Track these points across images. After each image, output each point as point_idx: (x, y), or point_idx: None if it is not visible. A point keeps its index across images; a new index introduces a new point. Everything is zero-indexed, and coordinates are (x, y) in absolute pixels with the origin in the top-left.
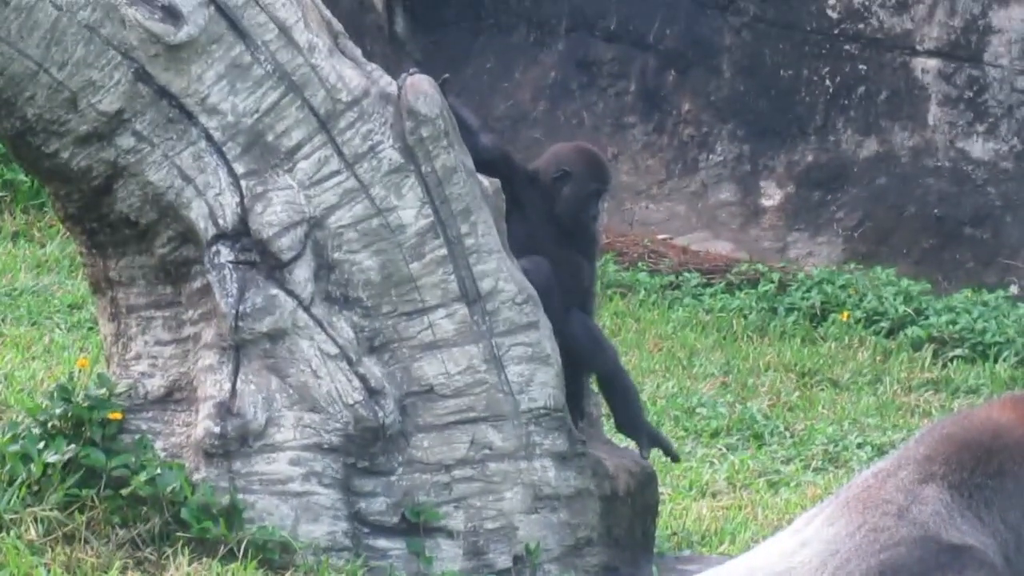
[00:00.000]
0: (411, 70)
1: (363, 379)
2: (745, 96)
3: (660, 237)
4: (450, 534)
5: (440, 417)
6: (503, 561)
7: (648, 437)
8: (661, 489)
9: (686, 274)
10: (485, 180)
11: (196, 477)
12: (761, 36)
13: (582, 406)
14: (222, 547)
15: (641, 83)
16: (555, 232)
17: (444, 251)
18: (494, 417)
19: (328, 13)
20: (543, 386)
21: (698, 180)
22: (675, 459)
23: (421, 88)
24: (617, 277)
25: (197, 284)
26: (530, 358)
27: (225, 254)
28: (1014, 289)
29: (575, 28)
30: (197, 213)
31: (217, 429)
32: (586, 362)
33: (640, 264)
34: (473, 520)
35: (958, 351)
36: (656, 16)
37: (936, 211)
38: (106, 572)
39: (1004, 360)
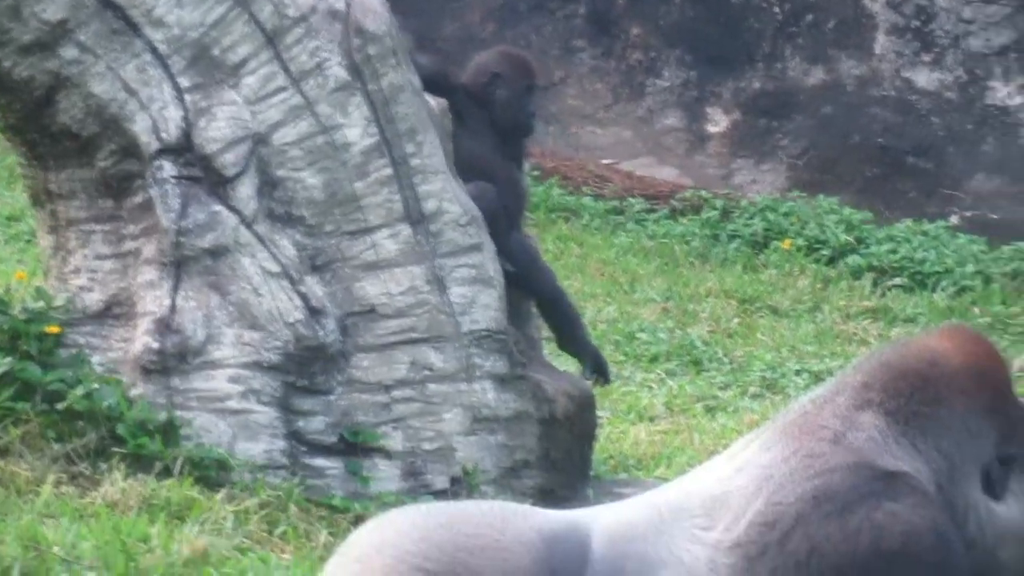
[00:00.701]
0: None
1: (304, 298)
2: (694, 22)
3: (605, 162)
4: (388, 454)
5: (381, 337)
6: (440, 482)
7: (591, 357)
8: (600, 413)
9: (630, 199)
10: (432, 100)
11: (133, 393)
12: None
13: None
14: (158, 464)
15: (590, 7)
16: (496, 146)
17: (389, 171)
18: (435, 338)
19: None
20: (485, 308)
21: (644, 106)
22: (607, 381)
23: (369, 5)
24: (561, 201)
25: (139, 199)
26: (473, 280)
27: (168, 169)
28: (955, 219)
29: None
30: (140, 127)
31: (156, 345)
32: (526, 285)
33: (584, 189)
34: (411, 441)
35: (897, 280)
36: None
37: (880, 141)
38: (40, 486)
39: (942, 290)
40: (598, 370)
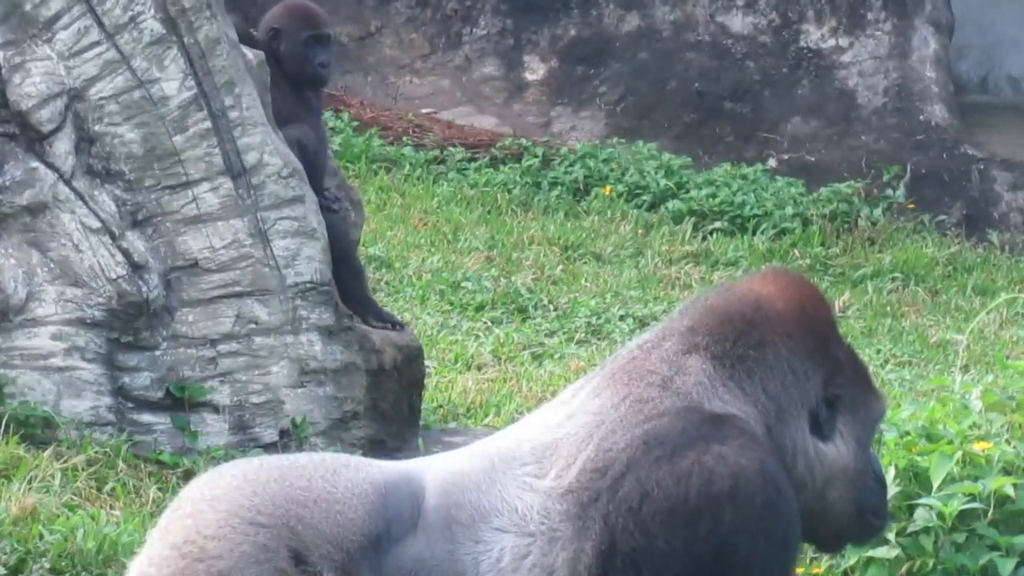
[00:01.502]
0: None
1: (126, 253)
2: None
3: (424, 111)
4: (216, 409)
5: (205, 292)
6: (269, 435)
7: (374, 313)
8: (427, 363)
9: (451, 149)
10: (249, 52)
11: None
12: None
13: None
14: None
15: None
16: (294, 98)
17: (208, 124)
18: (260, 291)
19: None
20: (309, 260)
21: (462, 54)
22: (401, 328)
23: None
24: (382, 152)
25: None
26: (296, 232)
27: None
28: (772, 163)
29: None
30: None
31: None
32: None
33: (405, 139)
34: (239, 395)
35: (717, 224)
36: None
37: (697, 86)
38: None
39: (762, 233)
40: (384, 320)
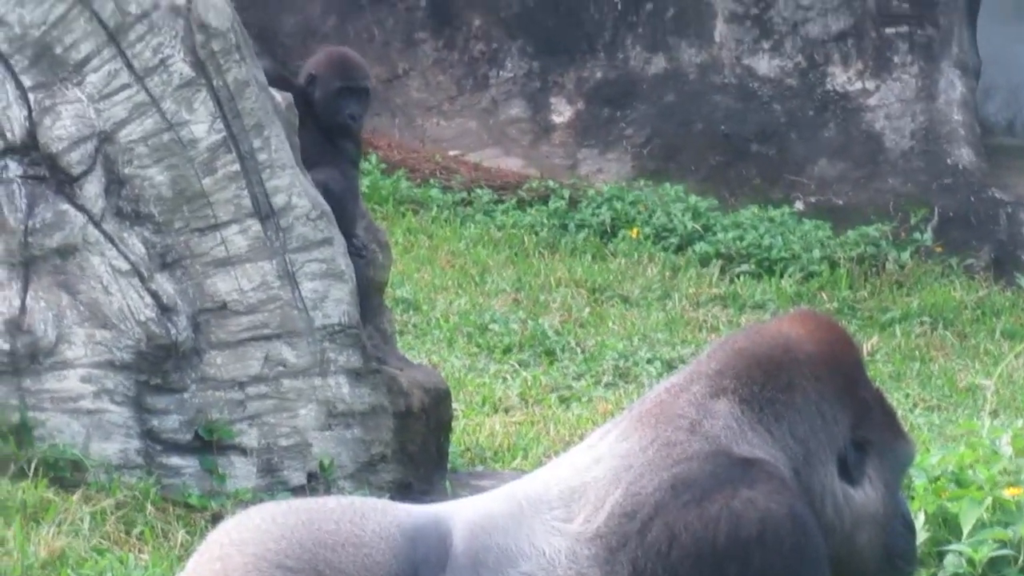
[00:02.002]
0: None
1: (155, 295)
2: (535, 12)
3: (452, 153)
4: (244, 451)
5: (234, 334)
6: (297, 478)
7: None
8: (455, 405)
9: (478, 191)
10: (278, 95)
11: None
12: None
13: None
14: (12, 465)
15: None
16: (324, 144)
17: (237, 166)
18: (288, 334)
19: None
20: (338, 302)
21: (489, 96)
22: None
23: (211, 1)
24: (409, 193)
25: None
26: (324, 274)
27: (13, 168)
28: (799, 205)
29: None
30: None
31: (7, 346)
32: None
33: (432, 180)
34: (267, 437)
35: (745, 267)
36: None
37: (723, 128)
38: None
39: (789, 275)
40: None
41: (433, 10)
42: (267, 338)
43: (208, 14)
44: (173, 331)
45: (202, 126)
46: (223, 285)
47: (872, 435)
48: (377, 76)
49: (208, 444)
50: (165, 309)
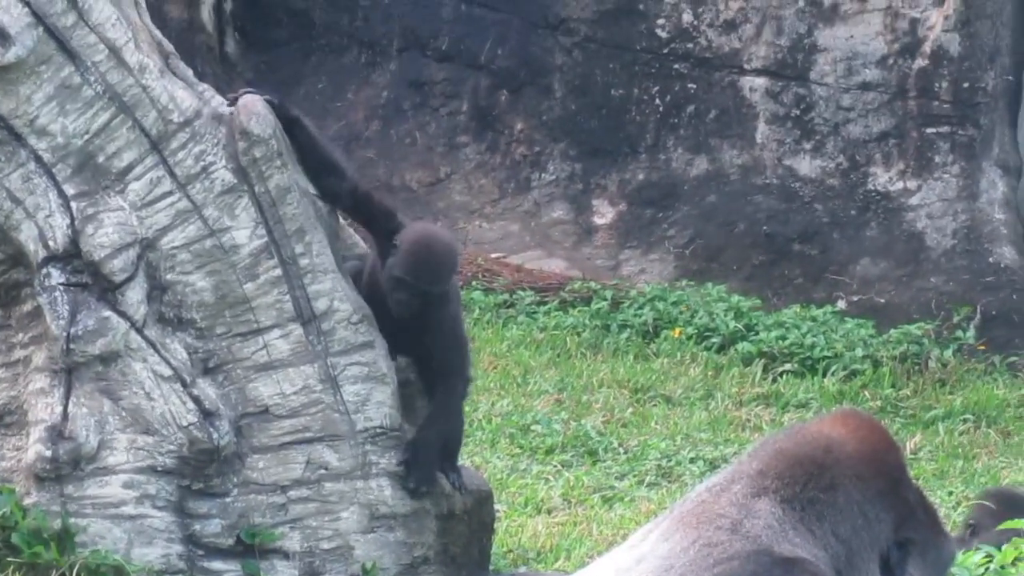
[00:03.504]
0: (243, 90)
1: (197, 401)
2: (576, 115)
3: (494, 256)
4: (286, 555)
5: (276, 438)
6: None
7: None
8: (497, 506)
9: (520, 292)
10: (319, 200)
11: (27, 501)
12: (592, 56)
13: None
14: (54, 572)
15: (473, 103)
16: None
17: (278, 271)
18: (330, 437)
19: (159, 34)
20: (379, 405)
21: (531, 199)
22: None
23: (254, 108)
24: None
25: (27, 307)
26: (366, 377)
27: (56, 276)
28: (841, 304)
29: (407, 48)
30: (27, 235)
31: (48, 453)
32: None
33: (474, 283)
34: (309, 541)
35: (788, 366)
36: (487, 36)
37: (765, 228)
38: None
39: (832, 374)
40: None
41: (475, 114)
42: (309, 441)
43: (250, 121)
44: (215, 436)
45: (244, 232)
46: (265, 389)
47: (915, 535)
48: (419, 180)
49: (250, 548)
50: (207, 414)
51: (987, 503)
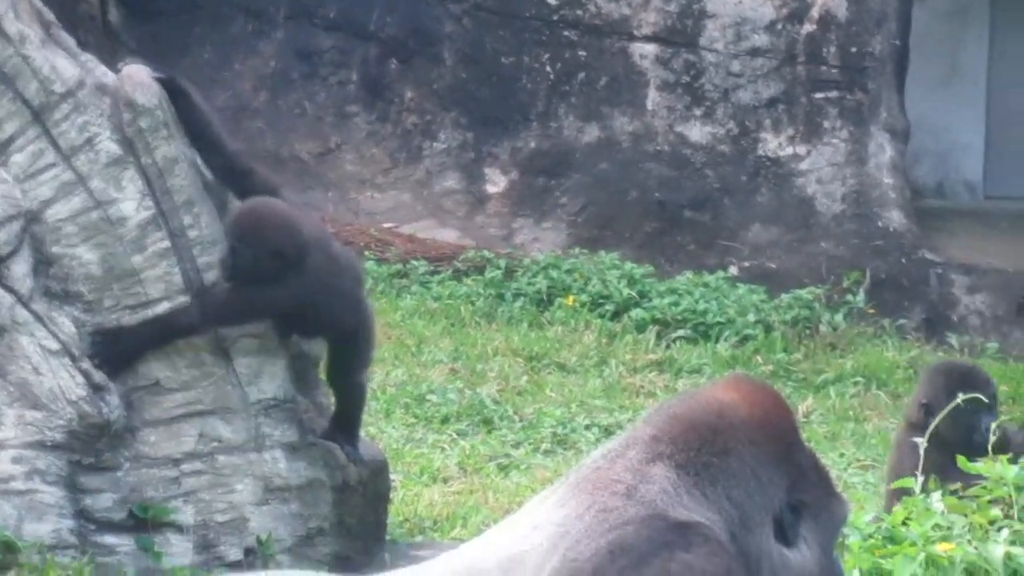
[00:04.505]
0: (127, 60)
1: (86, 375)
2: (467, 84)
3: (386, 226)
4: (180, 528)
5: (168, 411)
6: (234, 553)
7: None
8: (393, 476)
9: (413, 262)
10: (207, 171)
11: None
12: (481, 24)
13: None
14: None
15: (363, 72)
16: None
17: (167, 243)
18: (223, 410)
19: (39, 3)
20: (272, 377)
21: (422, 168)
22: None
23: (138, 79)
24: None
25: None
26: (258, 350)
27: None
28: (733, 270)
29: (294, 17)
30: None
31: None
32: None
33: (367, 253)
34: (203, 514)
35: (681, 332)
36: (376, 4)
37: (657, 195)
38: None
39: (725, 340)
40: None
41: (365, 83)
42: (201, 414)
43: (135, 92)
44: (105, 410)
45: (131, 203)
46: (156, 363)
47: (807, 497)
48: (309, 151)
49: (143, 522)
50: (97, 388)
51: (937, 380)
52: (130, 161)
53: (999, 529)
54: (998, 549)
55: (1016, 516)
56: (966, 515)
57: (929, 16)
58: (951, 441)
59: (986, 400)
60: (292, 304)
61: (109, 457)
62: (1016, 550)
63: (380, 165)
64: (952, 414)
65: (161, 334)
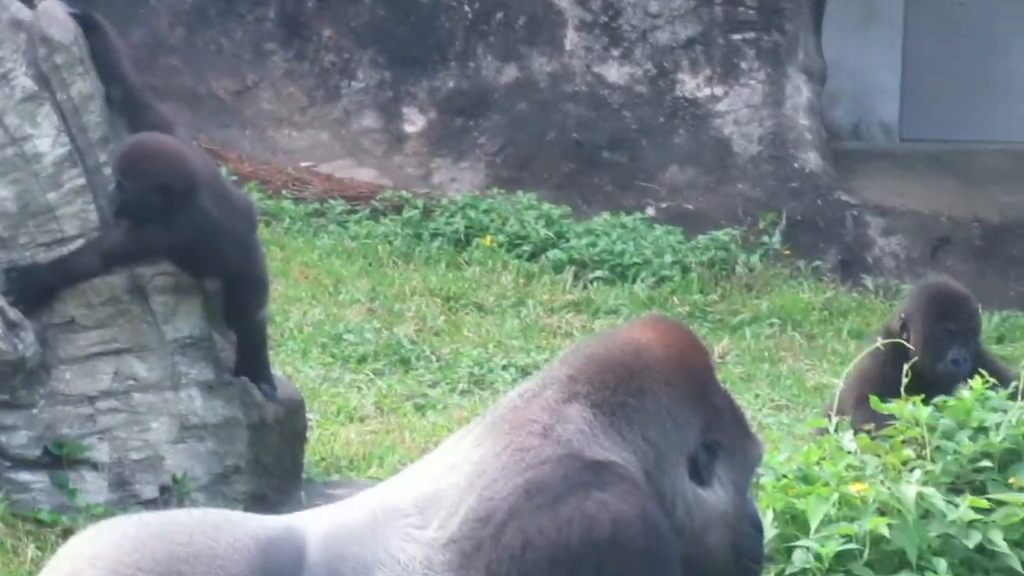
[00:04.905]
0: None
1: (1, 312)
2: (385, 23)
3: (304, 165)
4: (95, 466)
5: (83, 349)
6: (150, 491)
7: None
8: (309, 416)
9: (331, 202)
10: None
11: None
12: None
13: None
14: None
15: (280, 9)
16: None
17: (82, 180)
18: (139, 348)
19: None
20: (188, 316)
21: (340, 107)
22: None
23: (53, 14)
24: (261, 205)
25: None
26: (174, 288)
27: None
28: (651, 211)
29: None
30: None
31: None
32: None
33: (284, 192)
34: (118, 451)
35: (598, 273)
36: None
37: (575, 136)
38: None
39: (642, 281)
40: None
41: (282, 20)
42: (117, 352)
43: (51, 28)
44: (20, 347)
45: (46, 140)
46: (71, 300)
47: (722, 437)
48: (226, 88)
49: (58, 459)
50: (11, 325)
51: (920, 299)
52: (45, 97)
53: (912, 470)
54: (910, 489)
55: (929, 457)
56: (879, 456)
57: None
58: (920, 365)
59: (952, 329)
60: (183, 242)
61: (24, 395)
62: (928, 490)
63: (297, 104)
64: (925, 339)
65: (65, 275)
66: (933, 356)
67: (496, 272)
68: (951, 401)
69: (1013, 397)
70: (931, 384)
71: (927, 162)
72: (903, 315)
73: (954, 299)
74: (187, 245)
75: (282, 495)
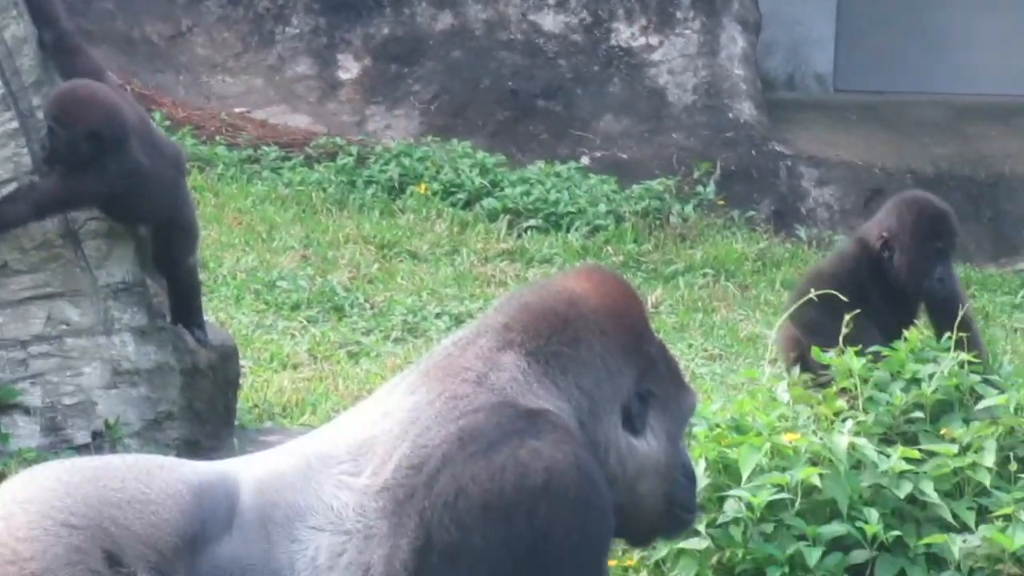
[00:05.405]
0: None
1: None
2: None
3: (238, 111)
4: (27, 410)
5: (15, 293)
6: (82, 436)
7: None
8: (242, 362)
9: (265, 148)
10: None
11: None
12: None
13: None
14: None
15: None
16: None
17: (15, 124)
18: (71, 292)
19: None
20: (121, 261)
21: (275, 53)
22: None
23: None
24: (195, 151)
25: None
26: (107, 233)
27: None
28: (585, 160)
29: None
30: None
31: None
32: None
33: (218, 138)
34: (51, 396)
35: (532, 222)
36: None
37: (510, 84)
38: None
39: (576, 230)
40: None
41: None
42: (50, 297)
43: None
44: None
45: None
46: (3, 244)
47: (655, 387)
48: (160, 33)
49: None
50: None
51: (904, 216)
52: None
53: (844, 420)
54: (842, 440)
55: (861, 407)
56: (812, 406)
57: None
58: (903, 282)
59: (940, 247)
60: (113, 190)
61: None
62: (860, 441)
63: (232, 49)
64: (913, 258)
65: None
66: (920, 274)
67: (430, 220)
68: (884, 351)
69: (947, 350)
70: (907, 298)
71: (861, 113)
72: (885, 233)
73: (942, 217)
74: (118, 193)
75: (215, 441)
